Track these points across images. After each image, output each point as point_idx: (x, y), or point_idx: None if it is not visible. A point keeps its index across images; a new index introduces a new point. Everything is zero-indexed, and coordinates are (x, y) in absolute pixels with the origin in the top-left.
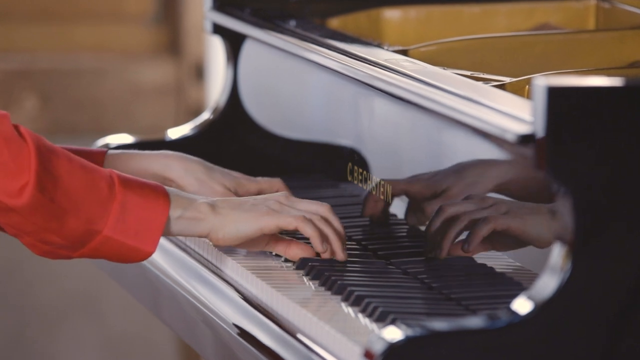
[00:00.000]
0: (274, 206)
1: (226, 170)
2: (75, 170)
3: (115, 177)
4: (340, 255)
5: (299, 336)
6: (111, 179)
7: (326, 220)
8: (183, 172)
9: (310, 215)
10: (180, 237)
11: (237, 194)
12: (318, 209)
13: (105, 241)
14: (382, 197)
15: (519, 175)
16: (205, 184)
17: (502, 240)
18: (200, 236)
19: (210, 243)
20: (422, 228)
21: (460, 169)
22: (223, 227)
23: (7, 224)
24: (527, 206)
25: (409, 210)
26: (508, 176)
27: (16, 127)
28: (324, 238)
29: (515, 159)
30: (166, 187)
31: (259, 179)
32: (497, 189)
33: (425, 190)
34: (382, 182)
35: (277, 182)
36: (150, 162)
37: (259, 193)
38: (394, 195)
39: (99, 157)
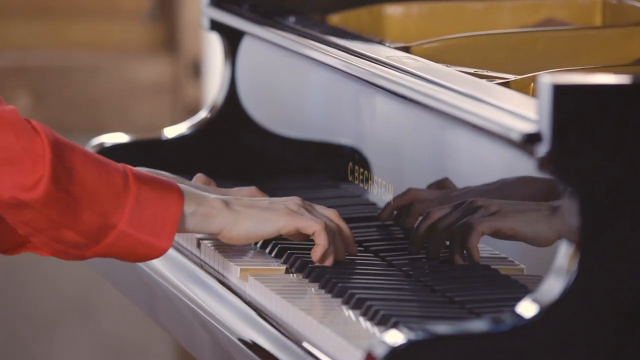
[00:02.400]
0: (292, 207)
1: (202, 188)
2: (90, 162)
3: (129, 171)
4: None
5: (299, 340)
6: (125, 173)
7: (339, 229)
8: None
9: (330, 222)
10: (177, 239)
11: None
12: (331, 215)
13: (120, 236)
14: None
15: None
16: None
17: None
18: (212, 233)
19: (210, 246)
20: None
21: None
22: (237, 225)
23: (20, 222)
24: (519, 204)
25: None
26: (542, 194)
27: (27, 121)
28: (327, 253)
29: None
30: (179, 184)
31: (235, 191)
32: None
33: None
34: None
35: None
36: None
37: None
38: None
39: None
